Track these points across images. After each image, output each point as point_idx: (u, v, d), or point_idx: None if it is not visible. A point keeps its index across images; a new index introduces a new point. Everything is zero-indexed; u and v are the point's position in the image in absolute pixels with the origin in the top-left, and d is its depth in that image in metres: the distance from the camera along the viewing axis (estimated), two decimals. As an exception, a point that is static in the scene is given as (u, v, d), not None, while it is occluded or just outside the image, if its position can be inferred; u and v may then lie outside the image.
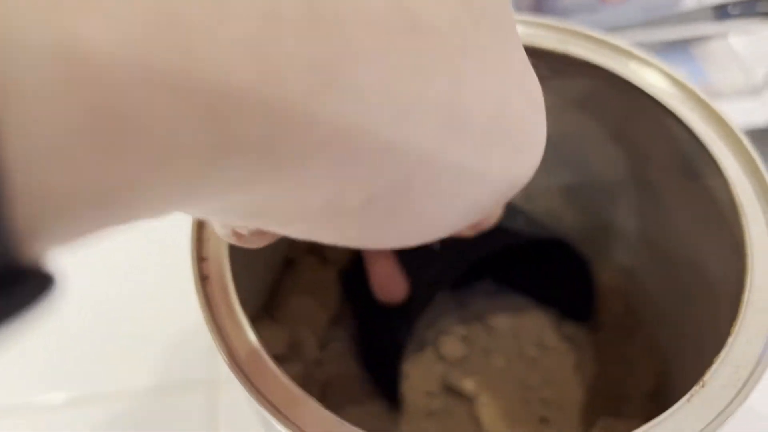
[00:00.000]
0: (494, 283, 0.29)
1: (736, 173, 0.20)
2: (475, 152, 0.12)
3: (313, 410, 0.16)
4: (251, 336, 0.18)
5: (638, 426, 0.15)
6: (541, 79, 0.24)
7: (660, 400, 0.26)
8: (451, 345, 0.28)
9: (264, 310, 0.26)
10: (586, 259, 0.26)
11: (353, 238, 0.13)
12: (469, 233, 0.19)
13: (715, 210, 0.21)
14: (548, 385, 0.27)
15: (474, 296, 0.29)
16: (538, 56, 0.23)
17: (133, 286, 0.37)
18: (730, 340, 0.16)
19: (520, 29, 0.23)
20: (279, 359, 0.20)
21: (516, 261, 0.27)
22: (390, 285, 0.23)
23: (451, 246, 0.20)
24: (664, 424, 0.15)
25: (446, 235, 0.15)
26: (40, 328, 0.29)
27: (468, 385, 0.26)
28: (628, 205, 0.26)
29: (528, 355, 0.28)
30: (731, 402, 0.15)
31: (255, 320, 0.20)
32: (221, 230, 0.14)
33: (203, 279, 0.19)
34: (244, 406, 0.33)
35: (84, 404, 0.34)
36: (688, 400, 0.15)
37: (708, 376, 0.16)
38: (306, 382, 0.24)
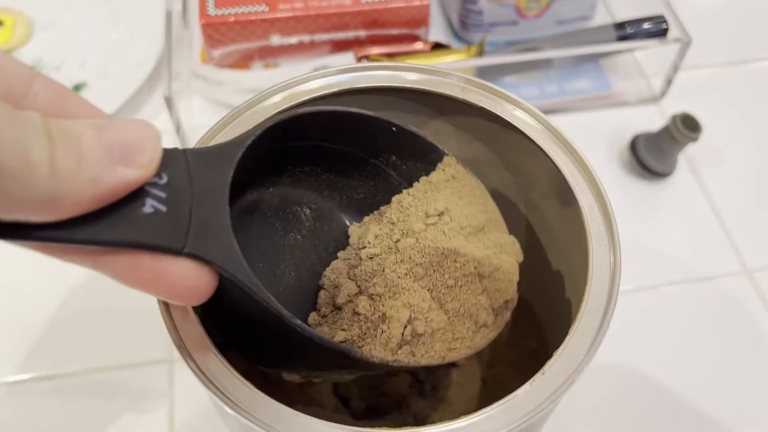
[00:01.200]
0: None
1: (588, 201, 0.26)
2: None
3: (251, 394, 0.21)
4: (199, 327, 0.22)
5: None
6: (449, 115, 0.30)
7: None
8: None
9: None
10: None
11: None
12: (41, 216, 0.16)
13: (581, 230, 0.27)
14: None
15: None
16: (443, 100, 0.28)
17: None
18: (567, 339, 0.22)
19: (430, 78, 0.28)
20: (222, 347, 0.25)
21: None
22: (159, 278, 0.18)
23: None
24: (513, 401, 0.21)
25: None
26: (9, 314, 0.34)
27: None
28: (519, 220, 0.31)
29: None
30: (560, 386, 0.21)
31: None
32: None
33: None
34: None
35: (50, 382, 0.38)
36: (530, 384, 0.21)
37: (547, 366, 0.21)
38: (248, 369, 0.29)
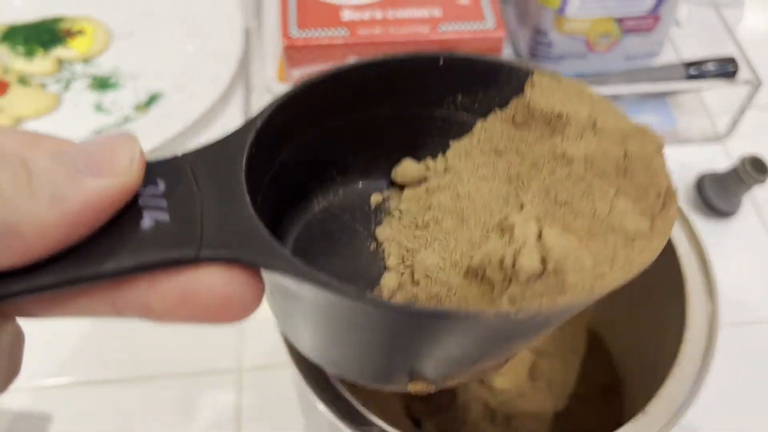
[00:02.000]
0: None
1: (685, 250, 0.26)
2: None
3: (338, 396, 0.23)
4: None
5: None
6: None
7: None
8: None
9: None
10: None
11: None
12: None
13: (677, 277, 0.27)
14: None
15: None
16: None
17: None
18: (667, 381, 0.23)
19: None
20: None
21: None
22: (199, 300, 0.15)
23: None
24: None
25: None
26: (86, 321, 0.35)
27: None
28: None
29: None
30: (663, 427, 0.22)
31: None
32: None
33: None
34: (267, 393, 0.39)
35: (120, 386, 0.40)
36: (633, 422, 0.22)
37: (649, 406, 0.22)
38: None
